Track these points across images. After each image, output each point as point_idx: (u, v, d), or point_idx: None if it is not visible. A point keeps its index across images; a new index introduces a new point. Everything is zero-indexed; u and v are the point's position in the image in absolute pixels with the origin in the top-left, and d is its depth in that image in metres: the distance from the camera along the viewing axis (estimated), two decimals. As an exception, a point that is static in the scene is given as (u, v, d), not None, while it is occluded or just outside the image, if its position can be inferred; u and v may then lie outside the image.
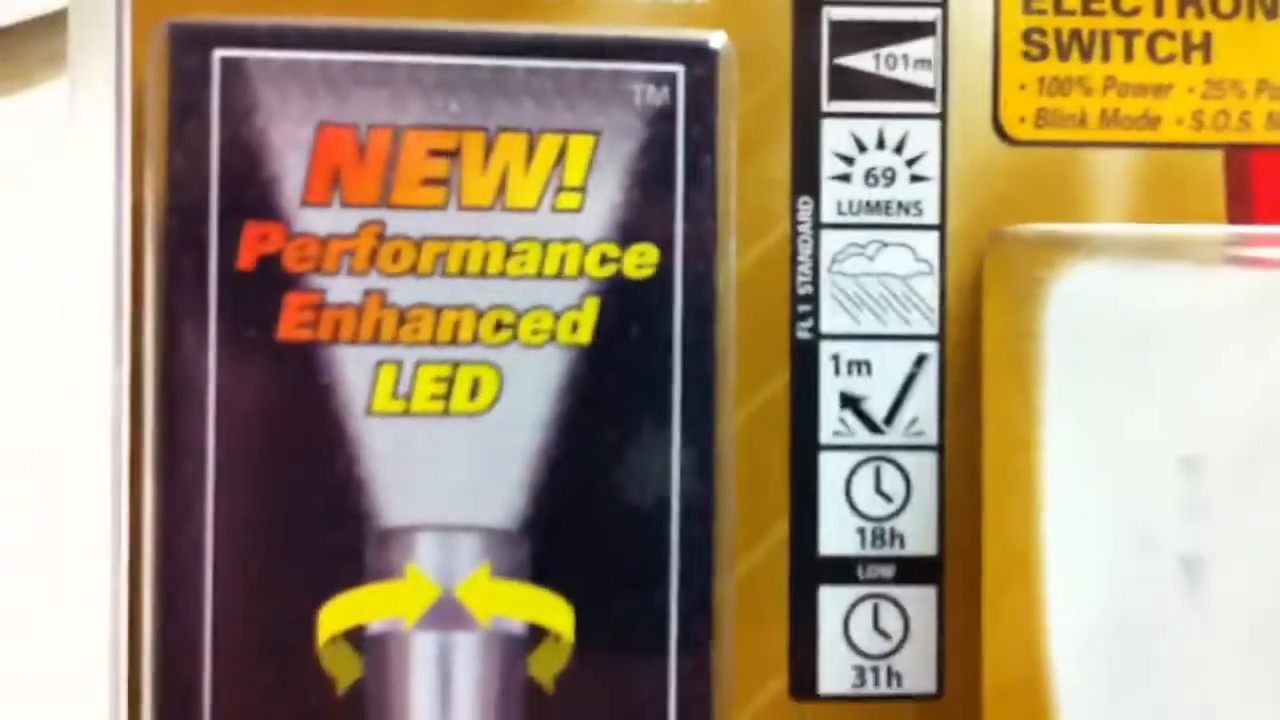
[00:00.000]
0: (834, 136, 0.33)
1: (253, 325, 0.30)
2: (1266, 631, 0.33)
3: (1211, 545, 0.33)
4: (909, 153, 0.33)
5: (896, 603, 0.34)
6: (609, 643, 0.31)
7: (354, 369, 0.30)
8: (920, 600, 0.34)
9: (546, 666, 0.31)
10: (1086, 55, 0.34)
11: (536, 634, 0.31)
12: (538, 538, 0.31)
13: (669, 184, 0.31)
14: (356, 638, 0.31)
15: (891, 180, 0.33)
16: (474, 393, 0.30)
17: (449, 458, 0.31)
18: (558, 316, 0.31)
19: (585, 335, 0.31)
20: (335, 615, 0.30)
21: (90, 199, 0.30)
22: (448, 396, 0.31)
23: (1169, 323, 0.33)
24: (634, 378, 0.31)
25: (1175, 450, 0.33)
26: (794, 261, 0.34)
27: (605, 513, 0.31)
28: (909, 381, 0.34)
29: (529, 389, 0.31)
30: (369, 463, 0.30)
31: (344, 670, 0.30)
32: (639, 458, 0.31)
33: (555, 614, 0.31)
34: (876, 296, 0.34)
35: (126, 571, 0.31)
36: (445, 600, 0.31)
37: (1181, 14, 0.34)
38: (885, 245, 0.34)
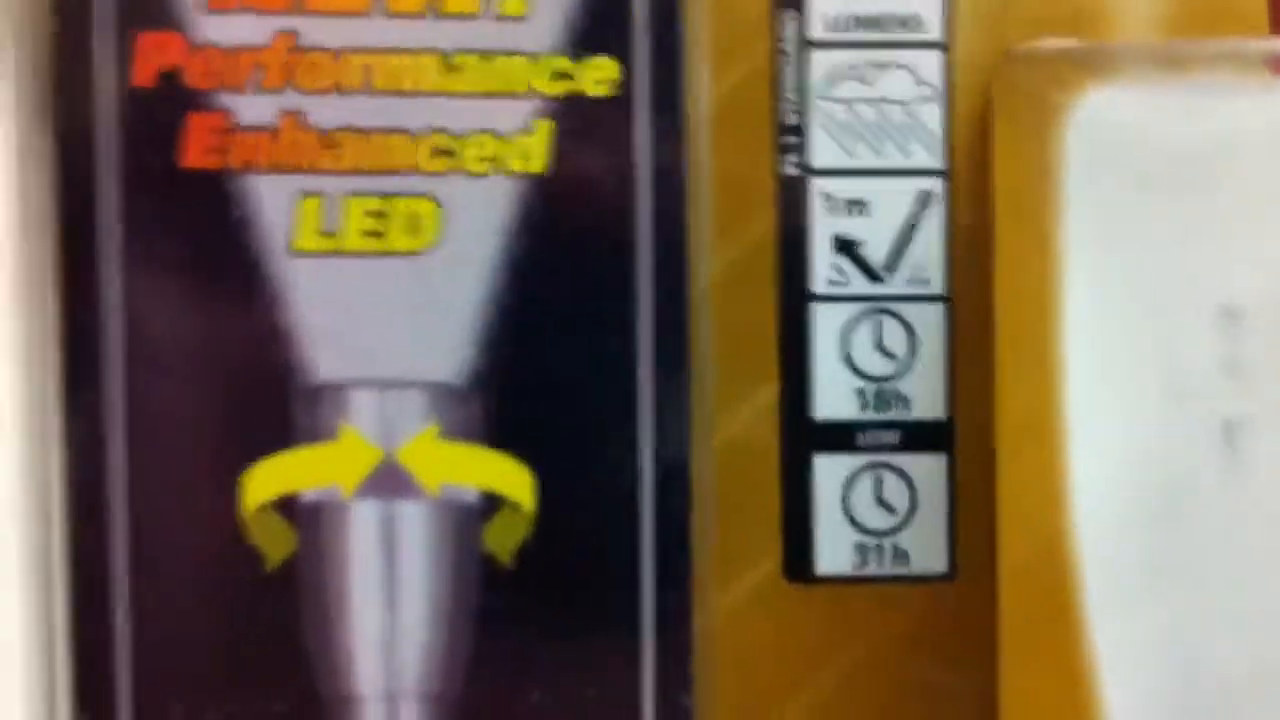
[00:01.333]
0: (821, -58, 0.29)
1: (153, 151, 0.27)
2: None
3: (1253, 405, 0.30)
4: (907, -40, 0.29)
5: (901, 472, 0.31)
6: (573, 512, 0.28)
7: (272, 201, 0.28)
8: (928, 469, 0.31)
9: (504, 539, 0.28)
10: None
11: (491, 503, 0.28)
12: (490, 394, 0.28)
13: (631, -12, 0.27)
14: (287, 508, 0.27)
15: (888, -9, 0.29)
16: (412, 229, 0.27)
17: (386, 303, 0.28)
18: (506, 141, 0.27)
19: (537, 163, 0.27)
20: (262, 482, 0.27)
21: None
22: (382, 233, 0.27)
23: (1206, 152, 0.30)
24: (594, 212, 0.27)
25: (1213, 299, 0.30)
26: (777, 86, 0.31)
27: (566, 365, 0.27)
28: (911, 222, 0.31)
29: (475, 225, 0.28)
30: (294, 309, 0.27)
31: (274, 544, 0.27)
32: (601, 302, 0.27)
33: (512, 480, 0.28)
34: (873, 126, 0.31)
35: (27, 431, 0.27)
36: (387, 465, 0.27)
37: None
38: (882, 66, 0.31)
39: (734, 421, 0.30)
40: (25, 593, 0.28)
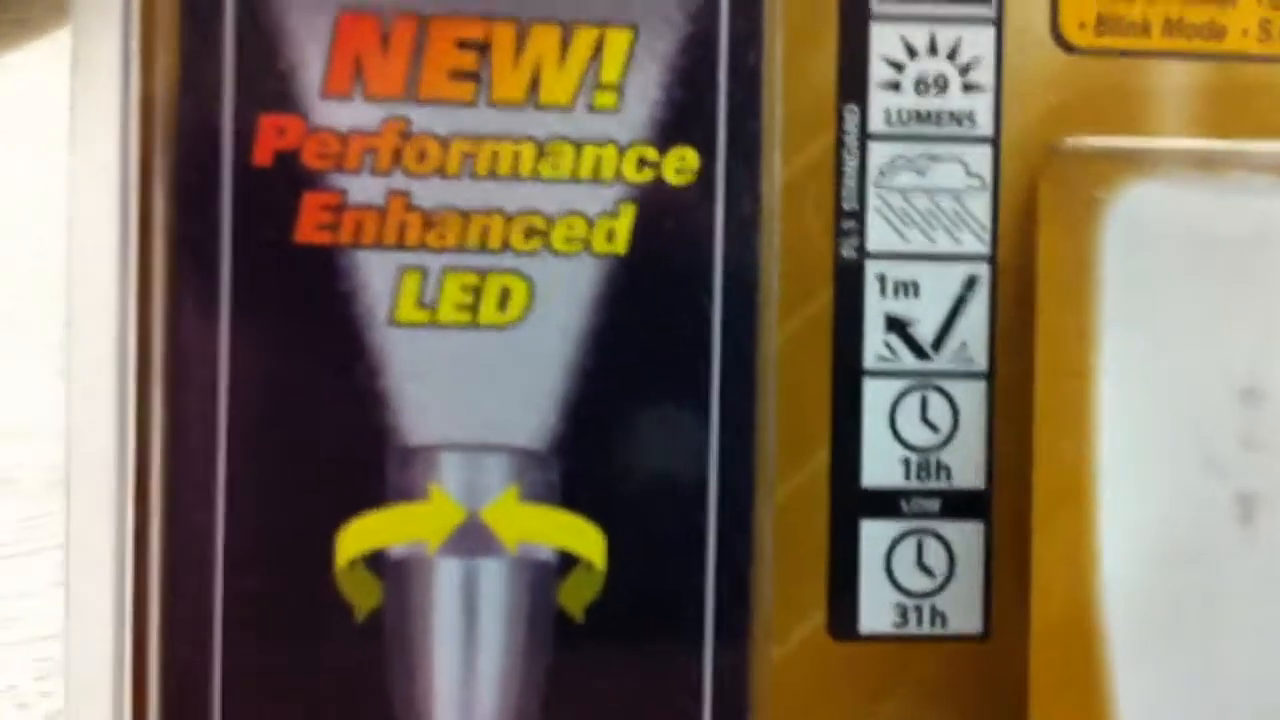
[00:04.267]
0: (883, 40, 0.32)
1: (269, 226, 0.29)
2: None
3: (1269, 480, 0.32)
4: (962, 59, 0.32)
5: (941, 538, 0.33)
6: (642, 571, 0.29)
7: (376, 275, 0.29)
8: (966, 535, 0.33)
9: (577, 596, 0.29)
10: (1148, -39, 0.32)
11: (566, 561, 0.30)
12: (569, 458, 0.29)
13: (711, 83, 0.29)
14: (377, 563, 0.29)
15: (944, 88, 0.32)
16: (503, 303, 0.29)
17: (476, 372, 0.29)
18: (592, 223, 0.29)
19: (621, 244, 0.29)
20: (354, 538, 0.28)
21: (97, 93, 0.28)
22: (475, 307, 0.29)
23: (1234, 245, 0.33)
24: (671, 290, 0.29)
25: (1236, 381, 0.32)
26: (839, 174, 0.33)
27: (640, 432, 0.29)
28: (958, 304, 0.33)
29: (561, 300, 0.30)
30: (391, 376, 0.29)
31: (363, 596, 0.28)
32: (676, 374, 0.29)
33: (586, 540, 0.29)
34: (925, 213, 0.33)
35: (133, 487, 0.28)
36: (471, 524, 0.29)
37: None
38: (935, 158, 0.33)
39: (789, 485, 0.32)
40: (118, 631, 0.29)
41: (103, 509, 0.29)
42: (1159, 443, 0.32)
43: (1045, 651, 0.32)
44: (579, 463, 0.30)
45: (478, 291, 0.30)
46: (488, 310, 0.30)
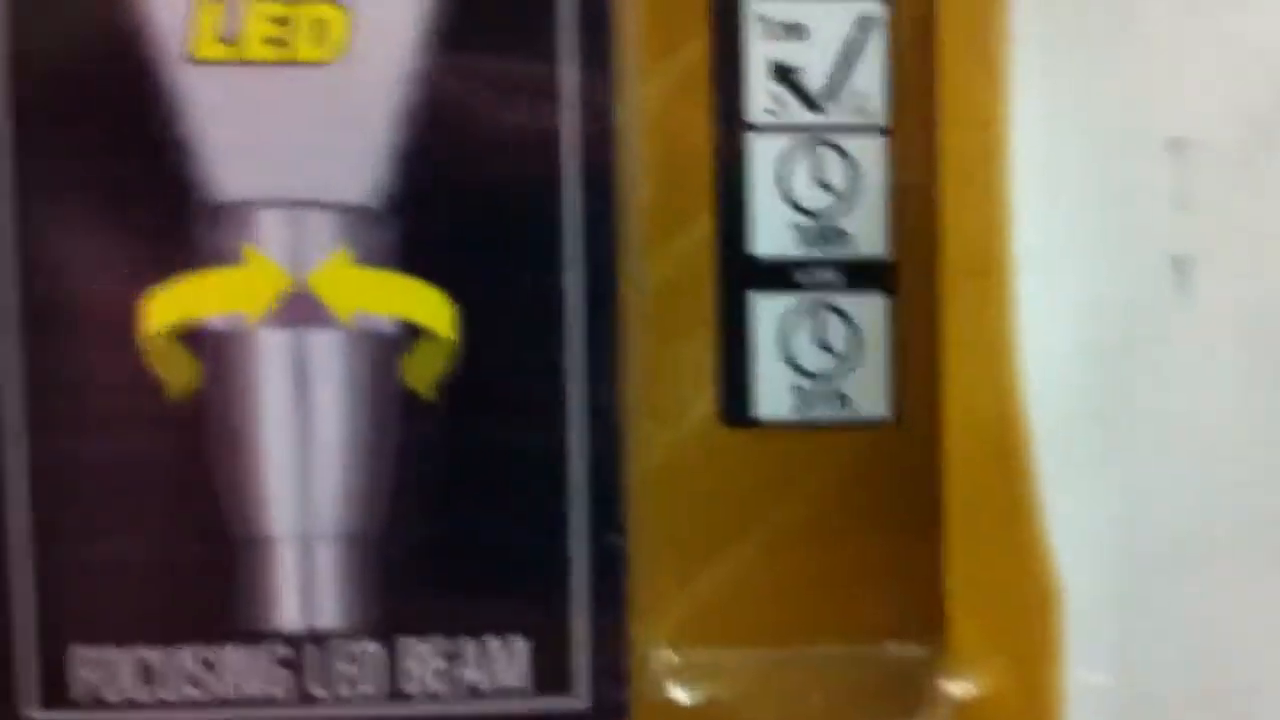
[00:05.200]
0: None
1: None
2: (1258, 333, 0.30)
3: (1202, 240, 0.30)
4: None
5: (842, 312, 0.30)
6: (496, 341, 0.27)
7: (166, 4, 0.26)
8: (869, 309, 0.31)
9: (424, 371, 0.26)
10: None
11: (410, 332, 0.27)
12: (406, 215, 0.26)
13: None
14: (192, 337, 0.25)
15: None
16: (319, 37, 0.25)
17: (292, 117, 0.26)
18: (422, -56, 0.25)
19: (455, -35, 0.25)
20: (163, 307, 0.25)
21: None
22: (286, 41, 0.25)
23: None
24: (514, 19, 0.25)
25: (1163, 131, 0.29)
26: (712, -100, 0.29)
27: (486, 186, 0.25)
28: (851, 48, 0.30)
29: (387, 31, 0.26)
30: (193, 122, 0.25)
31: (178, 373, 0.25)
32: (524, 114, 0.25)
33: (431, 308, 0.27)
34: None
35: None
36: (297, 291, 0.25)
37: None
38: (819, -122, 0.29)
39: (667, 256, 0.29)
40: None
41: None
42: (1079, 207, 0.29)
43: (961, 437, 0.29)
44: (418, 220, 0.26)
45: (288, 23, 0.26)
46: (302, 45, 0.26)
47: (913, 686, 0.29)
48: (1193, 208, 0.29)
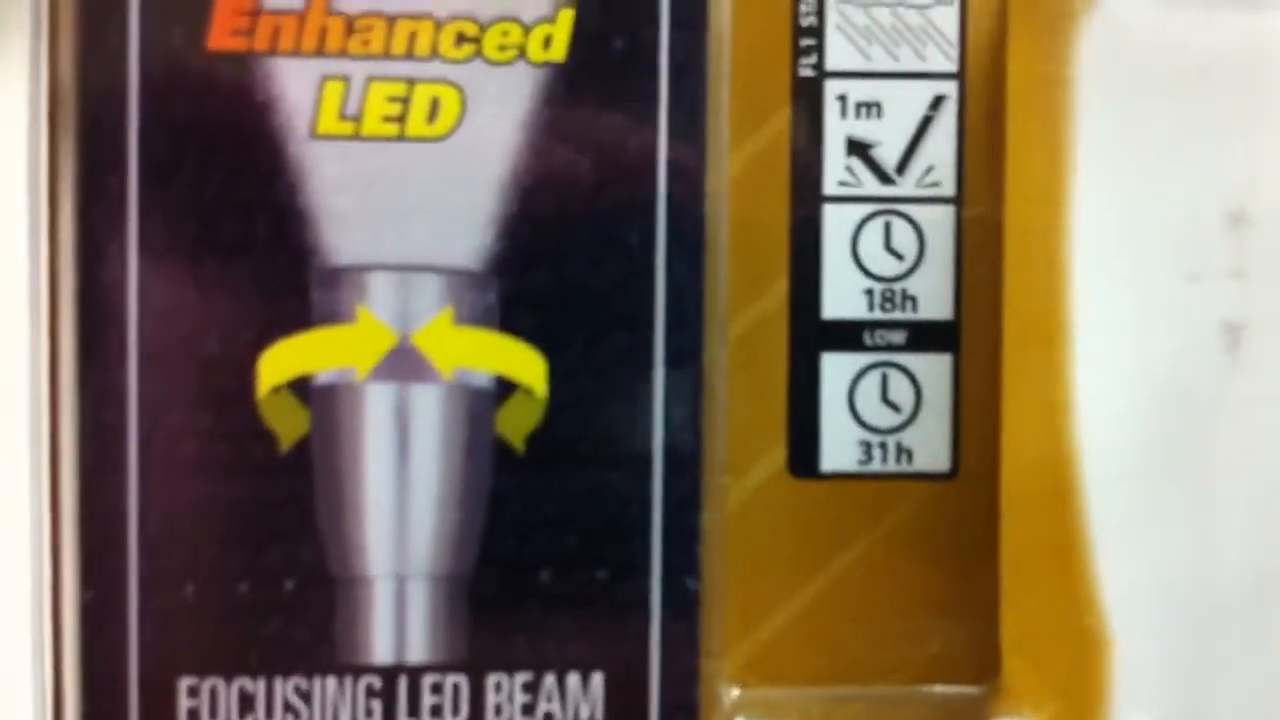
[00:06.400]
0: None
1: (179, 31, 0.27)
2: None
3: (1255, 309, 0.31)
4: None
5: (907, 371, 0.32)
6: (586, 398, 0.28)
7: (296, 84, 0.28)
8: (934, 369, 0.32)
9: (517, 424, 0.28)
10: None
11: (505, 388, 0.28)
12: (506, 279, 0.27)
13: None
14: (302, 389, 0.27)
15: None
16: (433, 114, 0.27)
17: (405, 188, 0.27)
18: (528, 29, 0.27)
19: (559, 51, 0.27)
20: (277, 363, 0.27)
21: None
22: (403, 118, 0.27)
23: (1220, 61, 0.31)
24: (614, 100, 0.27)
25: (1220, 206, 0.31)
26: (796, -14, 0.30)
27: (581, 252, 0.27)
28: (924, 125, 0.32)
29: (495, 111, 0.27)
30: (314, 192, 0.27)
31: (288, 424, 0.27)
32: (620, 187, 0.27)
33: (526, 365, 0.28)
34: (889, 28, 0.32)
35: (47, 317, 0.27)
36: (402, 348, 0.27)
37: None
38: (898, -32, 0.30)
39: (745, 319, 0.30)
40: (31, 469, 0.28)
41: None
42: (1138, 273, 0.31)
43: (1017, 491, 0.31)
44: (517, 284, 0.28)
45: (405, 102, 0.28)
46: (416, 122, 0.28)
47: (967, 725, 0.31)
48: (1246, 277, 0.31)
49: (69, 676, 0.28)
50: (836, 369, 0.31)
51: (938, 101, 0.31)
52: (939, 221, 0.31)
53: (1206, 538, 0.31)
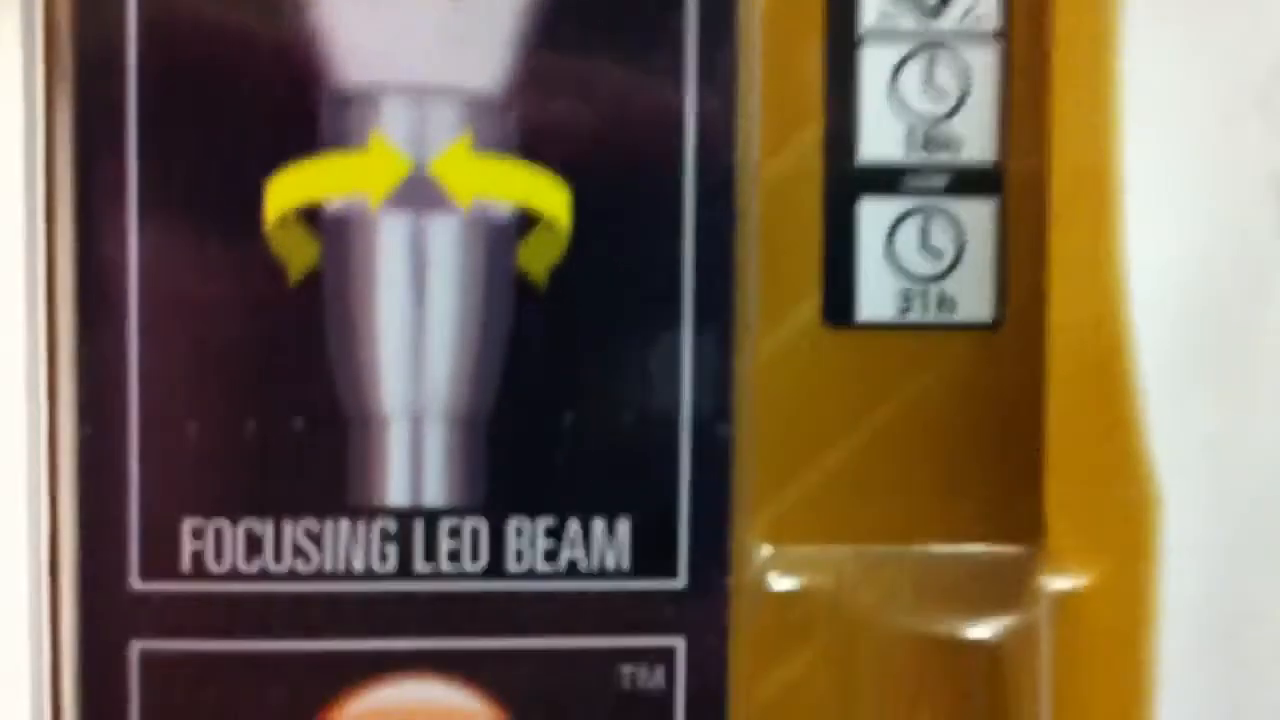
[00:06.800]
0: None
1: None
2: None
3: None
4: None
5: (949, 216, 0.30)
6: (611, 231, 0.27)
7: None
8: (976, 214, 0.31)
9: (538, 257, 0.26)
10: None
11: (526, 219, 0.26)
12: (528, 104, 0.26)
13: None
14: (312, 218, 0.25)
15: None
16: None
17: (420, 5, 0.25)
18: None
19: None
20: (285, 190, 0.26)
21: None
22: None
23: None
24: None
25: (1273, 56, 0.30)
26: None
27: (607, 78, 0.25)
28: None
29: None
30: (322, 10, 0.25)
31: (297, 255, 0.25)
32: (649, 11, 0.25)
33: (548, 196, 0.26)
34: None
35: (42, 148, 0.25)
36: (417, 176, 0.26)
37: None
38: None
39: (777, 162, 0.29)
40: (26, 306, 0.26)
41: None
42: (1190, 126, 0.29)
43: (1064, 347, 0.30)
44: (539, 110, 0.27)
45: (421, -91, 0.26)
46: (432, -68, 0.26)
47: (1008, 583, 0.29)
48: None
49: (65, 518, 0.27)
50: (874, 214, 0.30)
51: (983, -70, 0.30)
52: (983, 59, 0.30)
53: (1259, 403, 0.29)
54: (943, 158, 0.30)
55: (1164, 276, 0.30)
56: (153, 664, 0.27)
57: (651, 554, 0.28)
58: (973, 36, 0.30)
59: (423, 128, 0.27)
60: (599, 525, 0.28)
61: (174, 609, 0.27)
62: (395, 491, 0.28)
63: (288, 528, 0.27)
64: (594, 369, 0.28)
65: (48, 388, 0.27)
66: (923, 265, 0.30)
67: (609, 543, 0.28)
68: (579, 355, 0.28)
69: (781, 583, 0.30)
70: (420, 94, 0.27)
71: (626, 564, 0.28)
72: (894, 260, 0.30)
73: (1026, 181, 0.30)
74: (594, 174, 0.28)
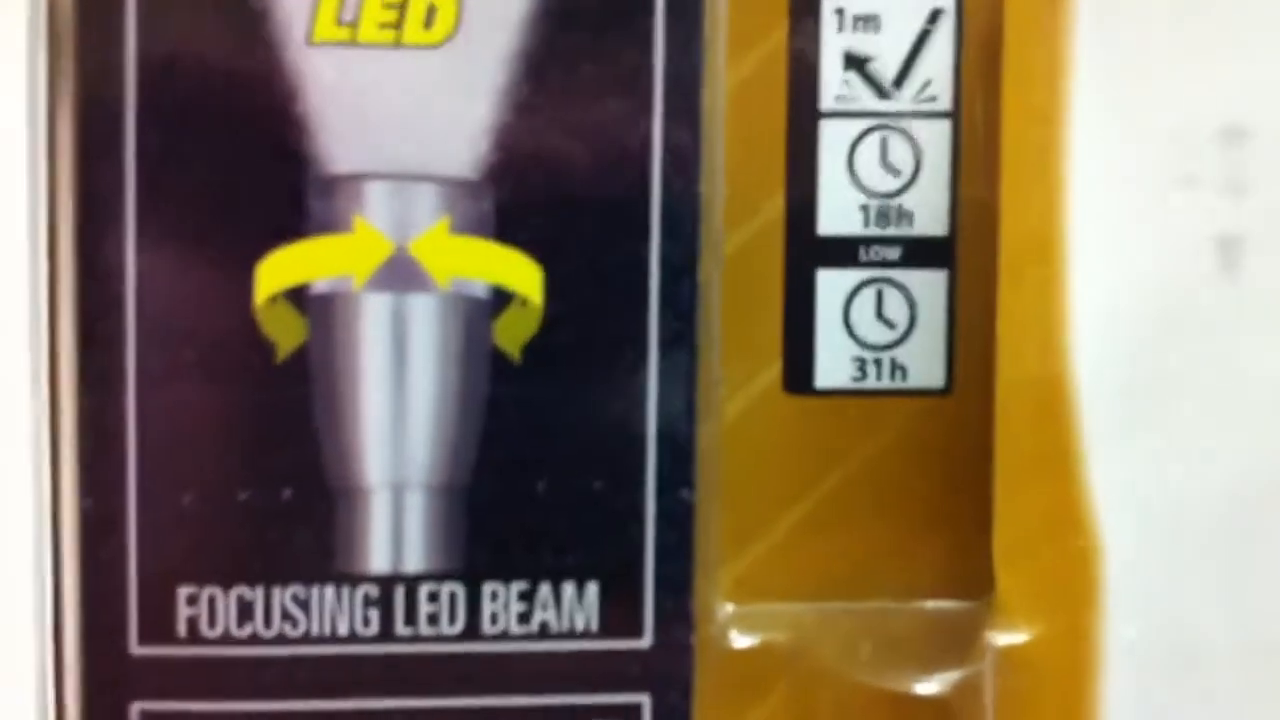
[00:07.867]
0: None
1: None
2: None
3: (1252, 224, 0.31)
4: None
5: (902, 288, 0.32)
6: (582, 308, 0.28)
7: None
8: (928, 285, 0.32)
9: (513, 333, 0.28)
10: None
11: (502, 298, 0.28)
12: (503, 189, 0.27)
13: None
14: (299, 299, 0.27)
15: None
16: (429, 21, 0.27)
17: (401, 96, 0.28)
18: (526, -64, 0.27)
19: (557, -42, 0.27)
20: (274, 272, 0.27)
21: None
22: (399, 25, 0.27)
23: None
24: (611, 8, 0.27)
25: (1216, 120, 0.30)
26: (792, -100, 0.30)
27: (578, 160, 0.27)
28: (921, 40, 0.32)
29: (492, 18, 0.27)
30: (310, 100, 0.27)
31: (285, 333, 0.27)
32: (617, 98, 0.27)
33: (522, 275, 0.28)
34: None
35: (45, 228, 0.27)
36: (399, 258, 0.28)
37: None
38: (895, -120, 0.30)
39: (740, 235, 0.31)
40: (31, 380, 0.28)
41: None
42: (1133, 191, 0.31)
43: (1012, 408, 0.31)
44: (513, 193, 0.28)
45: (402, 8, 0.28)
46: (412, 29, 0.28)
47: (959, 638, 0.31)
48: (1243, 191, 0.31)
49: (69, 585, 0.28)
50: (831, 285, 0.32)
51: (935, 15, 0.31)
52: (936, 136, 0.31)
53: (1198, 454, 0.31)
54: (897, 231, 0.32)
55: (1109, 336, 0.31)
56: (151, 723, 0.29)
57: (618, 615, 0.30)
58: (926, 115, 0.32)
59: (404, 212, 0.29)
60: (569, 588, 0.30)
61: (171, 672, 0.29)
62: (378, 559, 0.29)
63: (277, 594, 0.29)
64: (565, 439, 0.29)
65: (51, 463, 0.29)
66: (877, 334, 0.32)
67: (578, 605, 0.30)
68: (551, 426, 0.29)
69: (743, 640, 0.31)
70: (401, 180, 0.29)
71: (595, 625, 0.30)
72: (850, 329, 0.32)
73: (976, 254, 0.32)
74: (565, 254, 0.29)
